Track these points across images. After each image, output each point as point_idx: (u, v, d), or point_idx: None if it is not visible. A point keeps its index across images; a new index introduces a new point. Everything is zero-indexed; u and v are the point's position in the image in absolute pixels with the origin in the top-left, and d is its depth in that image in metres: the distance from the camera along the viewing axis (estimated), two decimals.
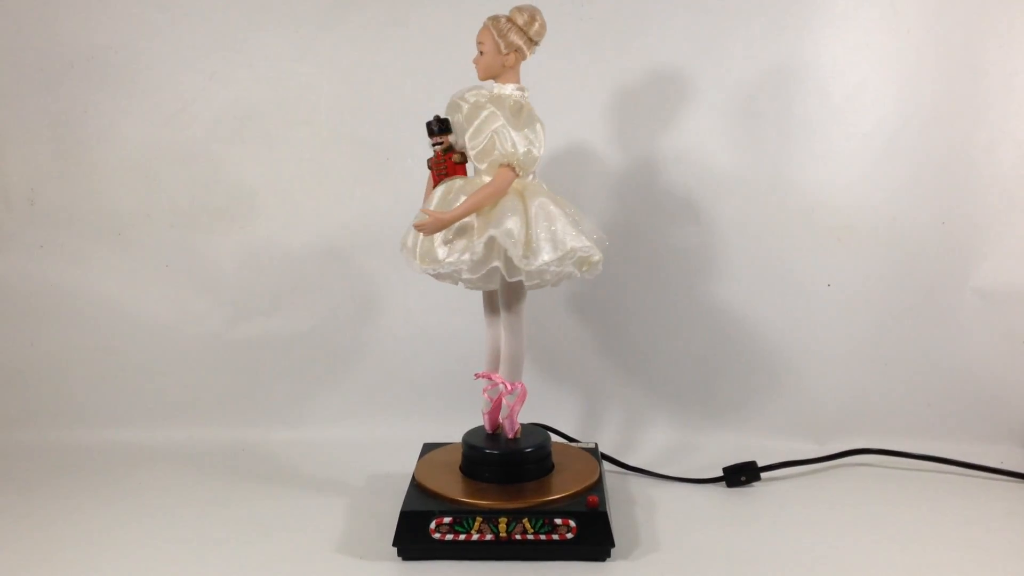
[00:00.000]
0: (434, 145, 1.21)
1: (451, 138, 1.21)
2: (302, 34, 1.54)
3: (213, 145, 1.56)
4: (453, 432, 1.32)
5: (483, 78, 1.19)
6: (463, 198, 1.14)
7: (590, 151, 1.53)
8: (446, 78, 1.46)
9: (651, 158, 1.53)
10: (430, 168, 1.22)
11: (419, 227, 1.14)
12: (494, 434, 1.25)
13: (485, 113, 1.16)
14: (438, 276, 1.19)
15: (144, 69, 1.54)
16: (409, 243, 1.19)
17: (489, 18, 1.16)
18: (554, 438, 1.31)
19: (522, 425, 1.25)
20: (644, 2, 1.50)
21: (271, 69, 1.55)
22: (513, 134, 1.14)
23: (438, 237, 1.15)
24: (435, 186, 1.21)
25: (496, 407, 1.24)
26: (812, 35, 1.49)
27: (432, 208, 1.16)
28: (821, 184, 1.51)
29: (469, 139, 1.16)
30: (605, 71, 1.52)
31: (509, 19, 1.16)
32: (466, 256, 1.13)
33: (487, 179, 1.16)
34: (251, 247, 1.57)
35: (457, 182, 1.19)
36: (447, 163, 1.21)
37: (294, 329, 1.58)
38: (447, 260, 1.14)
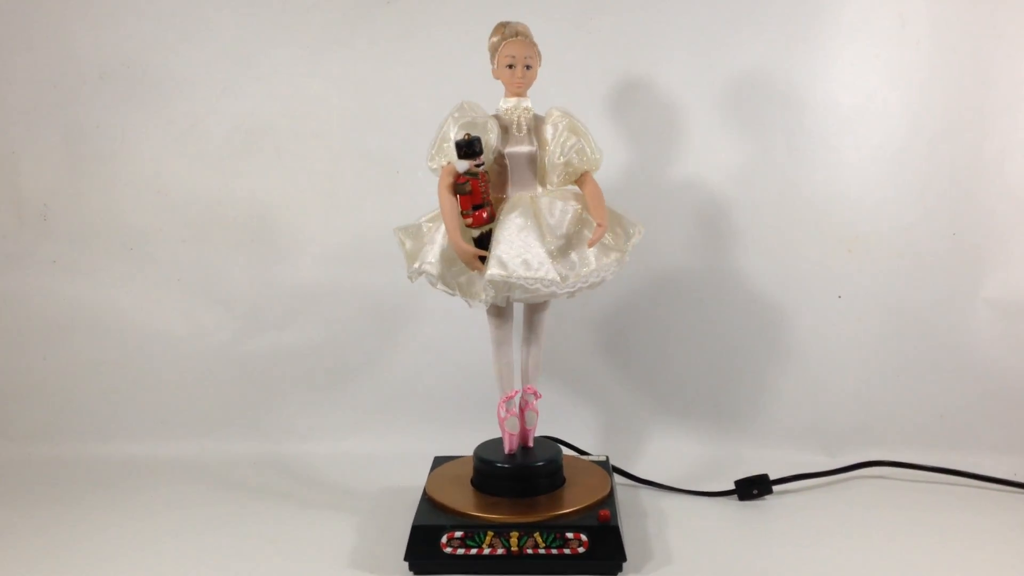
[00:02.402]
0: (478, 166, 1.14)
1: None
2: (313, 49, 1.54)
3: (225, 160, 1.57)
4: (464, 445, 1.32)
5: (524, 94, 1.18)
6: (568, 207, 1.16)
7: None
8: (455, 92, 1.47)
9: (660, 170, 1.54)
10: (467, 192, 1.13)
11: (597, 239, 1.14)
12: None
13: (560, 125, 1.18)
14: (573, 293, 1.16)
15: (156, 85, 1.55)
16: (530, 269, 1.11)
17: (525, 34, 1.16)
18: (565, 451, 1.31)
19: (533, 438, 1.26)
20: (651, 14, 1.51)
21: (282, 84, 1.55)
22: (592, 141, 1.18)
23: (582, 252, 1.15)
24: (472, 209, 1.14)
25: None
26: (822, 46, 1.49)
27: (562, 230, 1.15)
28: (831, 195, 1.51)
29: (554, 152, 1.17)
30: (611, 83, 1.52)
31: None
32: (613, 258, 1.16)
33: (540, 190, 1.20)
34: (263, 261, 1.58)
35: (557, 198, 1.18)
36: (485, 185, 1.15)
37: (306, 342, 1.58)
38: (595, 268, 1.15)
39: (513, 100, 1.19)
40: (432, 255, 1.16)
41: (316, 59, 1.55)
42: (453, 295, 1.17)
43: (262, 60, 1.55)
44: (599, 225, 1.14)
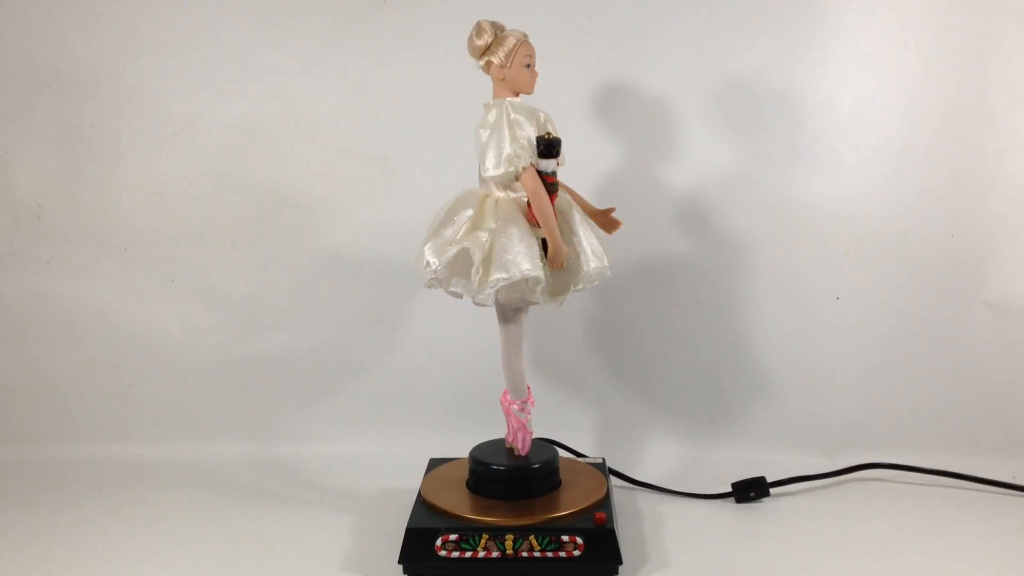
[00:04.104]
0: (558, 165, 1.16)
1: None
2: (309, 49, 1.54)
3: (219, 160, 1.56)
4: (460, 447, 1.32)
5: None
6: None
7: (595, 165, 1.52)
8: (452, 92, 1.47)
9: (657, 172, 1.53)
10: (555, 192, 1.15)
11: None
12: (503, 450, 1.24)
13: None
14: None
15: (151, 84, 1.54)
16: (602, 260, 1.16)
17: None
18: (561, 453, 1.31)
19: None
20: (649, 16, 1.50)
21: (277, 84, 1.54)
22: None
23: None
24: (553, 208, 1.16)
25: None
26: (820, 48, 1.48)
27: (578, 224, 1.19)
28: (829, 197, 1.50)
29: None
30: (610, 84, 1.52)
31: None
32: None
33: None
34: (257, 262, 1.57)
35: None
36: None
37: (301, 344, 1.58)
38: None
39: (520, 99, 1.18)
40: (527, 261, 1.10)
41: (312, 59, 1.54)
42: (540, 303, 1.14)
43: (257, 60, 1.54)
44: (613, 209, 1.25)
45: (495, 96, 1.17)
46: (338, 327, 1.58)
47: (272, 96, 1.54)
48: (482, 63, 1.17)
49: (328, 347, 1.58)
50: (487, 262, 1.10)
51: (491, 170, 1.14)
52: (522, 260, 1.10)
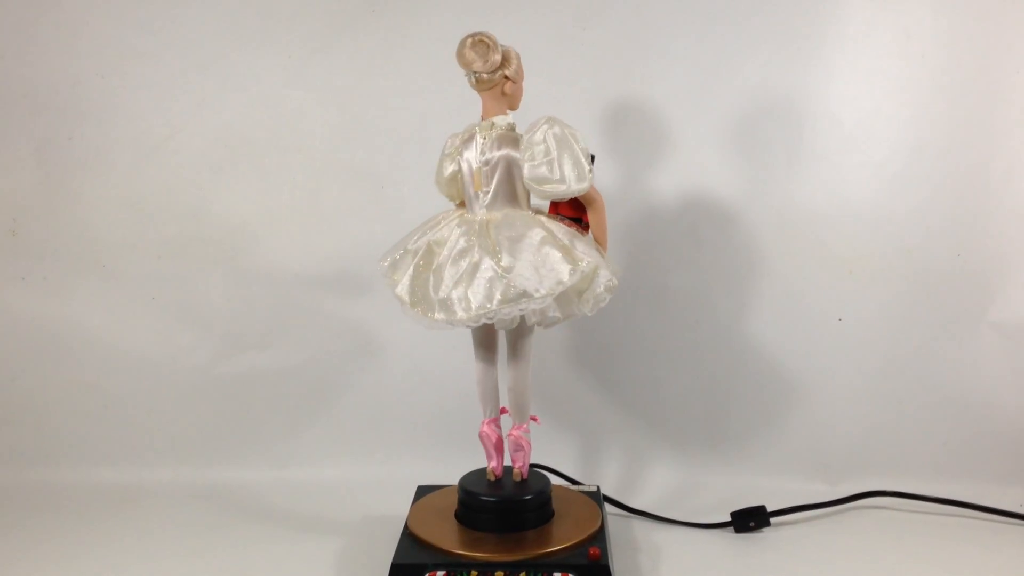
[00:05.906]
0: None
1: None
2: (294, 59, 1.50)
3: (202, 173, 1.53)
4: (449, 473, 1.28)
5: None
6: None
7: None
8: (441, 104, 1.44)
9: (655, 187, 1.49)
10: None
11: None
12: (493, 480, 1.20)
13: None
14: None
15: (131, 95, 1.51)
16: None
17: None
18: (555, 480, 1.26)
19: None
20: (647, 27, 1.47)
21: (262, 95, 1.51)
22: None
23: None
24: None
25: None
26: (823, 61, 1.45)
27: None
28: (832, 214, 1.47)
29: None
30: (607, 97, 1.49)
31: None
32: None
33: None
34: (241, 279, 1.54)
35: None
36: None
37: (285, 364, 1.54)
38: None
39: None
40: (608, 266, 1.13)
41: (297, 69, 1.51)
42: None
43: (241, 70, 1.51)
44: None
45: (491, 112, 1.14)
46: (324, 347, 1.54)
47: (256, 108, 1.52)
48: (492, 76, 1.12)
49: (313, 367, 1.54)
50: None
51: (578, 183, 1.10)
52: (606, 266, 1.12)
